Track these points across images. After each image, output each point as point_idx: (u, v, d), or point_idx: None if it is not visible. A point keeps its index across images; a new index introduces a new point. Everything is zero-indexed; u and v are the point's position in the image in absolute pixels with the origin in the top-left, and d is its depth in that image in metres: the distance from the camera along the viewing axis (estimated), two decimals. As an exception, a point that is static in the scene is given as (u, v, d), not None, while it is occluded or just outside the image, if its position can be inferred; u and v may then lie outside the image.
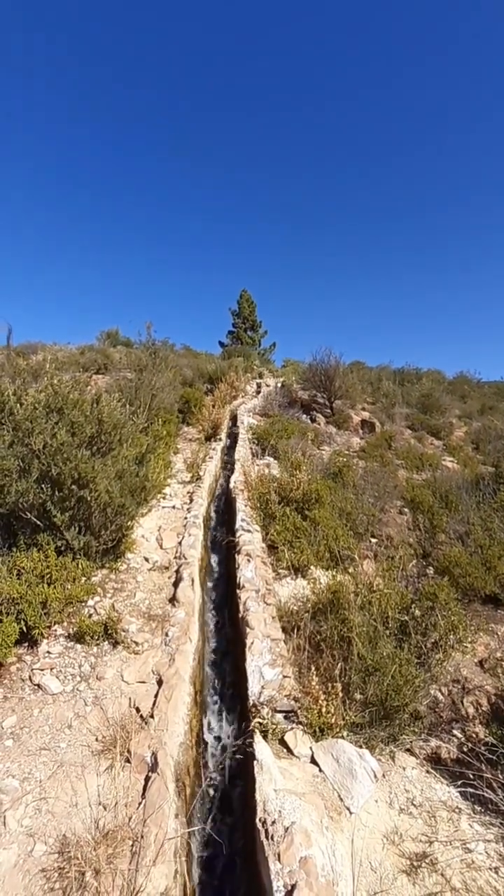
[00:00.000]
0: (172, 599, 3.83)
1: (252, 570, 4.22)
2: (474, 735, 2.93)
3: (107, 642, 3.23)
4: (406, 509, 6.82)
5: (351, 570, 4.53)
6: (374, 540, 5.85)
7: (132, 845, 1.99)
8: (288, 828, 1.93)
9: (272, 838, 1.91)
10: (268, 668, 3.04)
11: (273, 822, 1.97)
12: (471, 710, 3.18)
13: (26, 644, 3.07)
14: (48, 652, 3.07)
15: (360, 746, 2.55)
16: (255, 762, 2.27)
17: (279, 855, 1.84)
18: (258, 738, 2.44)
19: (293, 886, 1.73)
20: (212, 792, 2.69)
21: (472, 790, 2.41)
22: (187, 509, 5.72)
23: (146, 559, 4.48)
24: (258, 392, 14.89)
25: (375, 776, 2.40)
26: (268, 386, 15.79)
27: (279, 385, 15.51)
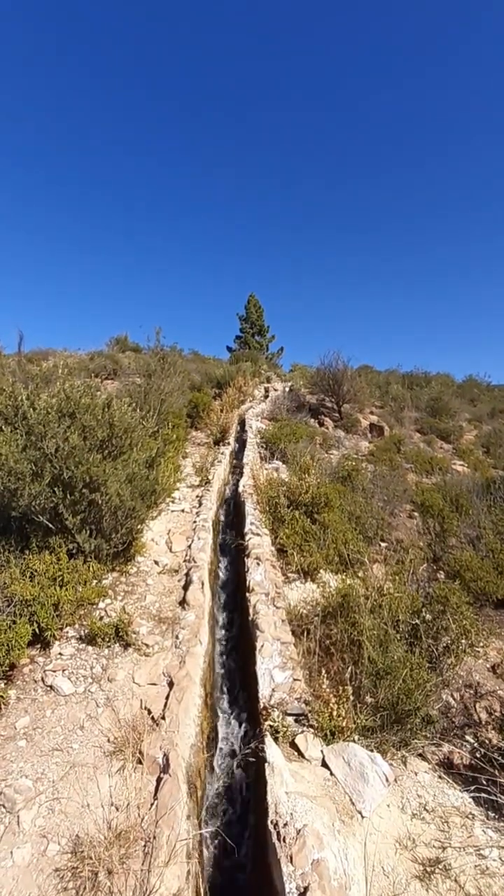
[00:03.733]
0: (182, 602, 3.84)
1: (261, 573, 4.22)
2: (487, 741, 2.90)
3: (118, 644, 3.26)
4: (416, 513, 6.78)
5: (361, 573, 4.51)
6: (383, 544, 5.83)
7: (144, 846, 1.99)
8: (300, 830, 1.93)
9: (284, 840, 1.90)
10: (278, 671, 3.04)
11: (285, 825, 1.97)
12: (483, 716, 3.14)
13: (39, 645, 3.11)
14: (60, 653, 3.10)
15: (372, 750, 2.53)
16: (266, 764, 2.27)
17: (291, 857, 1.83)
18: (269, 740, 2.44)
19: (306, 889, 1.72)
20: (223, 794, 2.69)
21: (485, 796, 2.39)
22: (196, 513, 5.75)
23: (156, 562, 4.50)
24: (266, 396, 14.91)
25: (387, 780, 2.38)
26: (276, 390, 15.81)
27: (287, 389, 15.53)
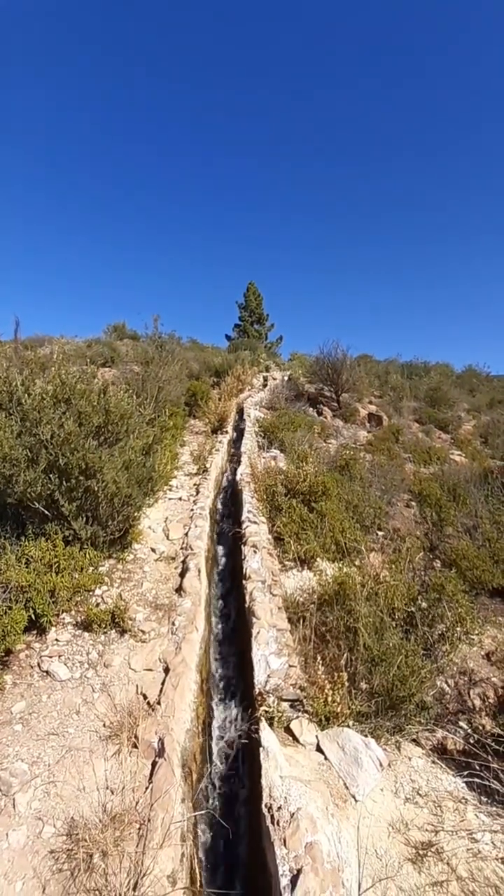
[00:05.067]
0: (179, 589, 3.84)
1: (258, 561, 4.22)
2: (481, 727, 2.92)
3: (114, 631, 3.26)
4: (413, 502, 6.78)
5: (357, 562, 4.52)
6: (380, 533, 5.83)
7: (139, 829, 2.01)
8: (294, 814, 1.94)
9: (278, 824, 1.92)
10: (274, 658, 3.05)
11: (279, 808, 1.98)
12: (477, 702, 3.16)
13: (35, 632, 3.11)
14: (56, 639, 3.10)
15: (366, 735, 2.55)
16: (261, 749, 2.28)
17: (285, 840, 1.85)
18: (264, 725, 2.45)
19: (299, 871, 1.74)
20: (218, 778, 2.71)
21: (478, 781, 2.41)
22: (194, 501, 5.73)
23: (153, 550, 4.50)
24: (265, 385, 14.83)
25: (381, 765, 2.40)
26: (274, 379, 15.71)
27: (286, 378, 15.43)
